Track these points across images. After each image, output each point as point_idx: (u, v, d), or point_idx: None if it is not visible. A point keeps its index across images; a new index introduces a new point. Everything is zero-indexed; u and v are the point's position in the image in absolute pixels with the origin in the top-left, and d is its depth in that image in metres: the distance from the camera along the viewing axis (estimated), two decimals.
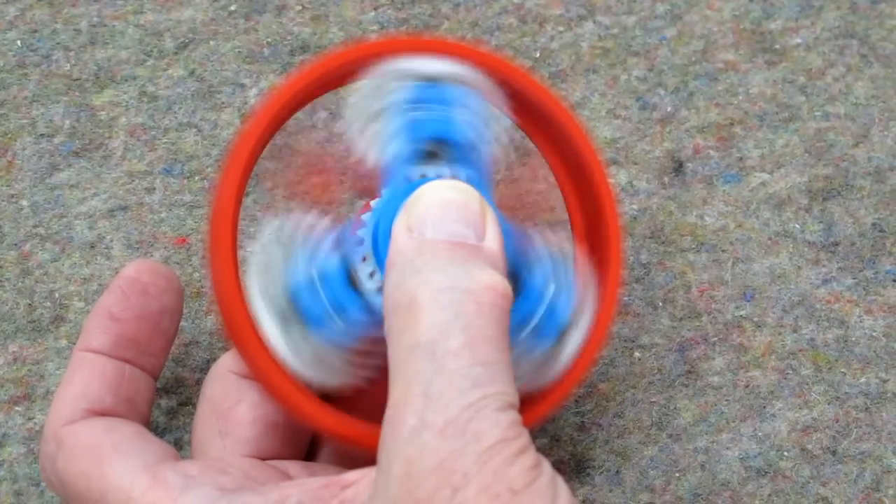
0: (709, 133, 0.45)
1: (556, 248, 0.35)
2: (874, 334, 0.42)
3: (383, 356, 0.31)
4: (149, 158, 0.43)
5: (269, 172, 0.43)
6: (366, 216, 0.34)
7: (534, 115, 0.37)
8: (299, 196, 0.43)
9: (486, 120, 0.35)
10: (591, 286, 0.35)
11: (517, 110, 0.38)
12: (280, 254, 0.33)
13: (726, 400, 0.41)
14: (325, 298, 0.33)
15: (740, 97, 0.46)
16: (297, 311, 0.33)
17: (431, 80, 0.34)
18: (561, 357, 0.34)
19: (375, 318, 0.33)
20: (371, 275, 0.33)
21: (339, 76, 0.36)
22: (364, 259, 0.33)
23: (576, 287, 0.35)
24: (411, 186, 0.33)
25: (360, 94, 0.34)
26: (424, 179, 0.33)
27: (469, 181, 0.34)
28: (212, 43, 0.46)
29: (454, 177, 0.34)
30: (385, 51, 0.35)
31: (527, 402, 0.34)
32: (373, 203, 0.34)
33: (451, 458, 0.28)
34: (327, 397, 0.34)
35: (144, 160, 0.43)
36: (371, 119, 0.34)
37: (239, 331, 0.33)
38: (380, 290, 0.33)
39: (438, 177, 0.33)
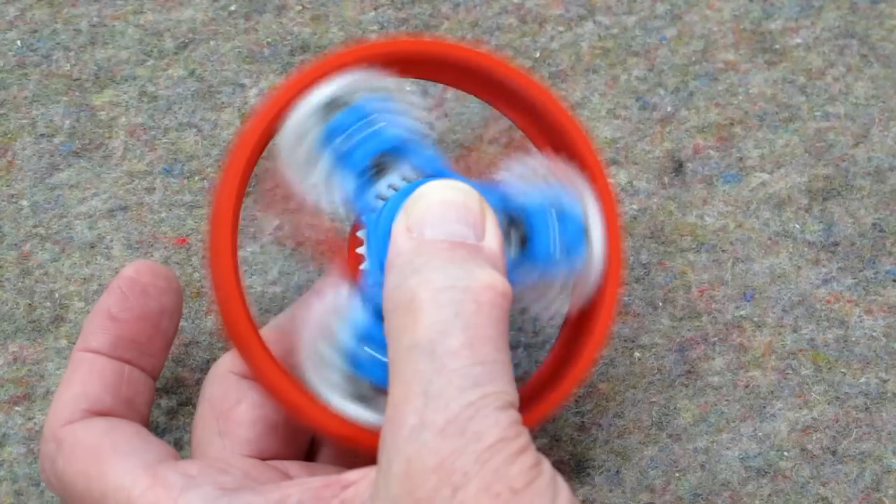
0: (709, 133, 0.45)
1: (527, 172, 0.35)
2: (874, 334, 0.42)
3: None
4: (149, 158, 0.43)
5: (269, 172, 0.43)
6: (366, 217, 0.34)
7: (533, 115, 0.37)
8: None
9: (401, 105, 0.34)
10: (574, 175, 0.36)
11: (517, 110, 0.38)
12: (324, 346, 0.33)
13: (726, 400, 0.41)
14: (379, 356, 0.33)
15: (740, 97, 0.46)
16: (369, 382, 0.33)
17: (336, 106, 0.34)
18: (595, 252, 0.35)
19: None
20: None
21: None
22: None
23: (565, 184, 0.35)
24: (410, 187, 0.33)
25: (286, 144, 0.34)
26: (423, 179, 0.33)
27: (428, 163, 0.34)
28: (212, 43, 0.46)
29: (414, 169, 0.34)
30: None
31: (527, 402, 0.34)
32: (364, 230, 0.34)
33: (452, 457, 0.28)
34: None
35: (144, 160, 0.43)
36: (304, 167, 0.34)
37: (239, 331, 0.33)
38: None
39: (424, 180, 0.33)
